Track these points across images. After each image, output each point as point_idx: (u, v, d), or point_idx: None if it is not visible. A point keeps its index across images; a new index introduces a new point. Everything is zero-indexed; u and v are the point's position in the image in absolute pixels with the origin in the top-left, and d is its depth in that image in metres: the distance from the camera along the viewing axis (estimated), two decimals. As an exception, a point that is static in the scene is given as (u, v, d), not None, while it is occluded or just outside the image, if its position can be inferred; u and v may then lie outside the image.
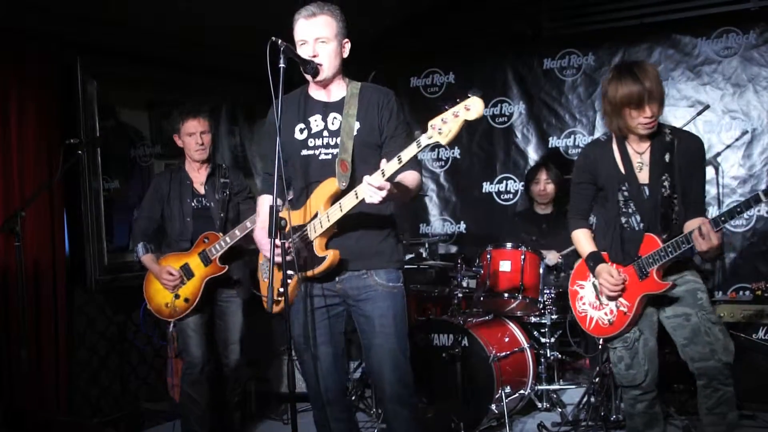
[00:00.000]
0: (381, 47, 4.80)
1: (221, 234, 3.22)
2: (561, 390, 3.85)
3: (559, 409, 3.64)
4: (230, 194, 3.34)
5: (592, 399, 3.49)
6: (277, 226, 2.09)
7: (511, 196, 4.90)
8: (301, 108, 2.40)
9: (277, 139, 2.12)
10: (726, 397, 2.48)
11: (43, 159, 3.61)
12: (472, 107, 1.87)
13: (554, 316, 3.76)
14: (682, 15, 4.29)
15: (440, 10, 4.91)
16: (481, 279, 3.74)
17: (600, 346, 3.67)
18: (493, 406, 3.32)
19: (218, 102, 4.70)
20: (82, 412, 3.79)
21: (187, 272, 3.21)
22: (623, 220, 2.59)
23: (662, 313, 2.57)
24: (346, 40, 2.35)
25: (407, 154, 2.05)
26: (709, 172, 4.01)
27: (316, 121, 2.37)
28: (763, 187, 4.18)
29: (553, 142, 4.75)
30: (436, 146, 2.04)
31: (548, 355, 3.78)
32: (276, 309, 2.27)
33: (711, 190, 4.12)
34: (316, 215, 2.29)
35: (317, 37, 2.27)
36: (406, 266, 4.02)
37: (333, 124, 2.34)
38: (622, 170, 2.58)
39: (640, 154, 2.56)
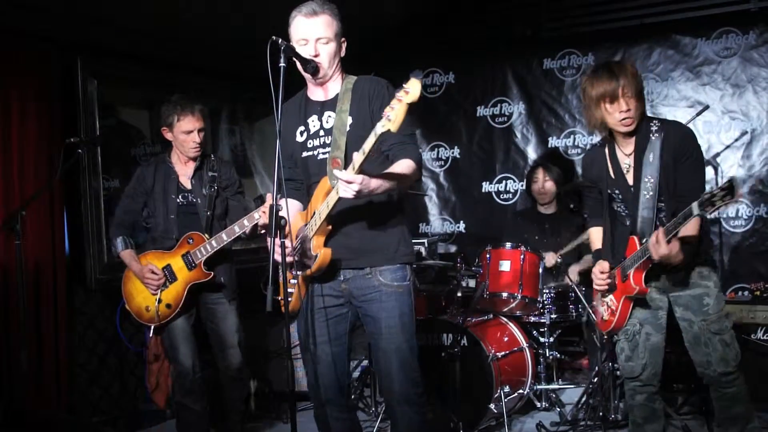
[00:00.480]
0: (382, 47, 4.80)
1: (206, 235, 3.06)
2: (560, 390, 3.85)
3: (558, 409, 3.64)
4: (218, 189, 3.17)
5: (591, 399, 3.50)
6: (277, 226, 2.08)
7: (510, 195, 4.90)
8: (301, 111, 2.40)
9: (277, 140, 2.11)
10: (728, 395, 2.51)
11: (44, 158, 3.61)
12: (411, 90, 1.88)
13: (553, 316, 3.76)
14: (682, 15, 4.29)
15: (441, 11, 4.91)
16: (480, 278, 3.74)
17: (599, 346, 3.69)
18: (492, 406, 3.32)
19: (219, 102, 4.70)
20: (81, 412, 3.78)
21: (169, 274, 3.05)
22: (619, 221, 2.62)
23: (675, 312, 2.58)
24: (344, 39, 2.35)
25: (368, 144, 1.98)
26: (709, 172, 4.01)
27: (313, 122, 2.37)
28: (762, 187, 4.19)
29: (553, 142, 4.75)
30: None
31: (547, 354, 3.78)
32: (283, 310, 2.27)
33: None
34: (314, 214, 2.29)
35: (318, 37, 2.26)
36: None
37: (327, 122, 2.34)
38: (612, 174, 2.59)
39: (627, 156, 2.55)
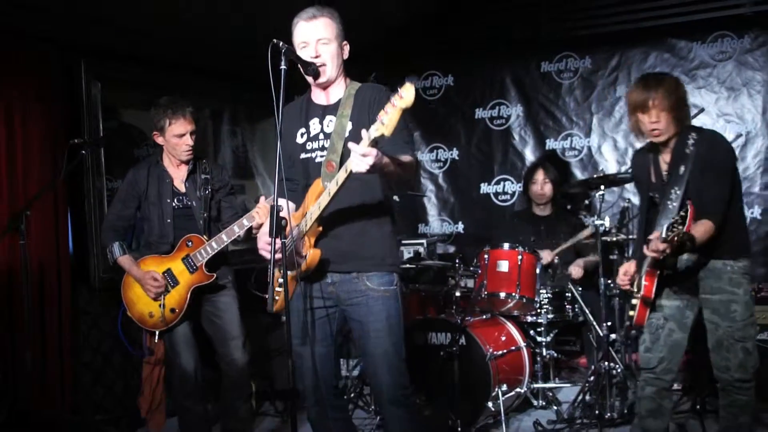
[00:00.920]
0: (381, 49, 4.81)
1: (205, 237, 3.01)
2: (557, 388, 3.85)
3: (555, 407, 3.64)
4: (212, 191, 3.12)
5: (587, 397, 3.50)
6: (278, 226, 2.08)
7: (508, 197, 4.91)
8: (303, 113, 2.41)
9: (278, 141, 2.11)
10: (739, 403, 2.54)
11: (48, 159, 3.61)
12: (405, 95, 1.87)
13: (550, 316, 3.76)
14: (678, 20, 4.30)
15: (440, 14, 4.91)
16: (478, 279, 3.74)
17: (595, 346, 3.69)
18: (490, 404, 3.32)
19: (220, 103, 4.71)
20: (85, 411, 3.78)
21: (171, 279, 2.99)
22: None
23: (703, 312, 2.61)
24: (345, 41, 2.35)
25: (362, 146, 1.96)
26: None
27: (314, 125, 2.38)
28: (756, 189, 4.20)
29: (550, 144, 4.76)
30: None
31: (544, 353, 3.78)
32: (276, 307, 2.28)
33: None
34: (305, 215, 2.30)
35: (319, 38, 2.27)
36: (405, 266, 4.05)
37: (328, 126, 2.34)
38: (653, 178, 2.67)
39: (667, 164, 2.64)
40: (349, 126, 2.29)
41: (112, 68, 3.95)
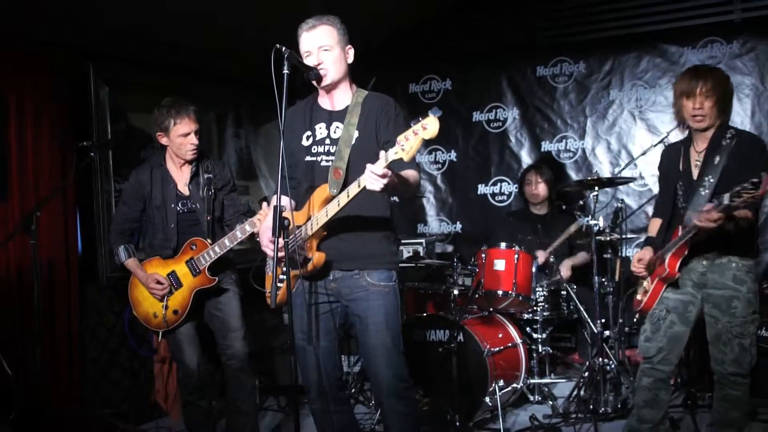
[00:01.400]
0: (381, 54, 4.82)
1: (209, 241, 2.99)
2: (552, 384, 3.86)
3: (551, 402, 3.66)
4: (215, 191, 3.08)
5: (582, 392, 3.51)
6: (280, 226, 2.10)
7: (505, 197, 4.92)
8: (308, 116, 2.43)
9: (281, 143, 2.14)
10: (731, 398, 2.56)
11: (57, 160, 3.62)
12: (429, 126, 1.90)
13: (546, 313, 3.78)
14: (669, 25, 4.33)
15: (438, 20, 4.94)
16: (476, 277, 3.76)
17: (589, 342, 3.70)
18: (487, 399, 3.34)
19: (224, 106, 4.72)
20: (93, 404, 3.80)
21: (174, 281, 2.99)
22: (678, 217, 2.68)
23: (704, 306, 2.63)
24: (349, 46, 2.37)
25: (378, 166, 1.99)
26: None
27: (320, 129, 2.40)
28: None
29: (546, 146, 4.77)
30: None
31: (540, 350, 3.79)
32: (278, 299, 2.31)
33: None
34: (310, 218, 2.32)
35: (320, 45, 2.29)
36: (404, 264, 4.07)
37: (335, 132, 2.36)
38: (681, 167, 2.68)
39: (698, 153, 2.65)
40: (356, 134, 2.31)
41: (120, 72, 3.96)
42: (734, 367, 2.53)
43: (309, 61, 2.29)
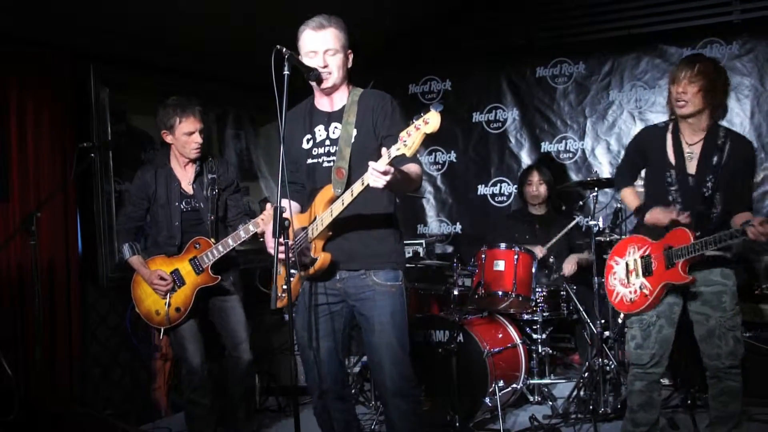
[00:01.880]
0: (381, 55, 4.81)
1: (213, 240, 3.03)
2: (552, 384, 3.85)
3: (550, 403, 3.65)
4: (219, 191, 3.11)
5: (582, 393, 3.50)
6: (281, 227, 2.09)
7: (504, 198, 4.91)
8: (308, 119, 2.42)
9: (281, 145, 2.12)
10: (728, 389, 2.57)
11: (58, 162, 3.61)
12: (430, 121, 1.90)
13: (545, 314, 3.77)
14: (668, 26, 4.32)
15: (439, 21, 4.93)
16: (476, 278, 3.75)
17: (589, 343, 3.69)
18: (487, 399, 3.33)
19: (225, 107, 4.71)
20: (94, 405, 3.79)
21: (177, 279, 3.02)
22: (670, 202, 2.66)
23: (689, 305, 2.63)
24: (350, 50, 2.36)
25: (381, 163, 1.98)
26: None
27: (319, 131, 2.39)
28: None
29: (545, 146, 4.77)
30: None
31: (540, 350, 3.78)
32: (279, 304, 2.29)
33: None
34: (315, 219, 2.31)
35: (327, 48, 2.27)
36: (405, 265, 4.05)
37: (334, 133, 2.36)
38: (672, 158, 2.65)
39: (690, 146, 2.63)
40: (354, 132, 2.31)
41: (121, 73, 3.96)
42: (731, 360, 2.55)
43: (313, 61, 2.28)
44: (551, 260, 3.96)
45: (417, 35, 4.99)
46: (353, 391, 3.79)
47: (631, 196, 2.83)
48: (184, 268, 3.03)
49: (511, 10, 4.75)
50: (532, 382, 3.74)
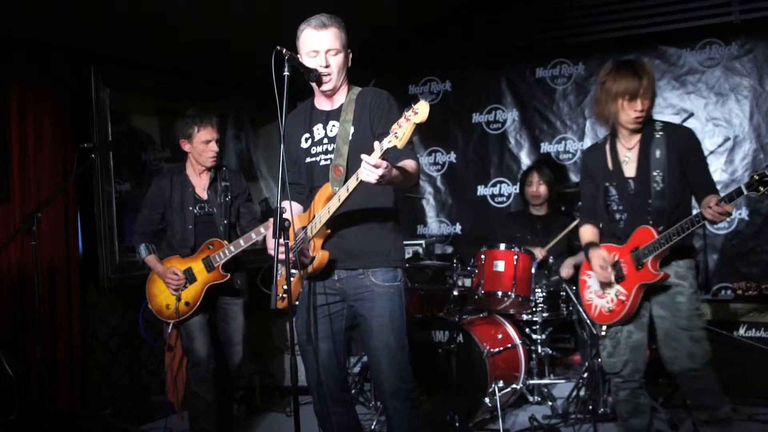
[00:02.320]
0: (382, 56, 4.81)
1: (226, 241, 3.15)
2: (551, 384, 3.85)
3: (550, 403, 3.64)
4: (231, 198, 3.26)
5: (581, 393, 3.50)
6: (281, 227, 2.08)
7: (504, 199, 4.91)
8: (307, 118, 2.41)
9: (281, 145, 2.11)
10: (696, 389, 2.51)
11: (59, 162, 3.61)
12: (420, 111, 1.89)
13: (545, 314, 3.76)
14: (668, 27, 4.31)
15: (439, 22, 4.92)
16: (475, 278, 3.74)
17: (588, 343, 3.69)
18: (487, 400, 3.32)
19: (225, 108, 4.71)
20: (94, 405, 3.78)
21: (189, 276, 3.14)
22: (614, 216, 2.61)
23: (652, 310, 2.59)
24: (349, 50, 2.36)
25: (374, 157, 1.97)
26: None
27: (318, 130, 2.38)
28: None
29: (545, 147, 4.76)
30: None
31: (539, 351, 3.78)
32: (280, 305, 2.28)
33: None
34: (314, 217, 2.30)
35: (328, 48, 2.26)
36: (405, 265, 4.05)
37: (331, 131, 2.35)
38: (610, 166, 2.60)
39: (628, 150, 2.57)
40: (352, 130, 2.29)
41: (121, 74, 3.95)
42: (688, 362, 2.46)
43: (314, 61, 2.27)
44: (551, 261, 3.95)
45: (417, 36, 4.99)
46: (353, 391, 3.79)
47: (586, 233, 2.71)
48: (197, 266, 3.15)
49: (510, 12, 4.75)
50: (531, 382, 3.73)
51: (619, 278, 2.57)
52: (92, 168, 3.72)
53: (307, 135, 2.40)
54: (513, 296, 3.59)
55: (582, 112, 4.64)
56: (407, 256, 4.38)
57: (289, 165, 2.30)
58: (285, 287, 2.32)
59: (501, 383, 3.36)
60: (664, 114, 4.33)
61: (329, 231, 2.30)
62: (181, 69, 4.26)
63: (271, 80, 2.07)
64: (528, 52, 4.73)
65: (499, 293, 3.62)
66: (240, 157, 4.84)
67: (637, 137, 2.56)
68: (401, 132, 1.90)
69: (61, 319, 3.57)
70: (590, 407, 3.34)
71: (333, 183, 2.25)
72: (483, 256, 3.72)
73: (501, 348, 3.50)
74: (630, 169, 2.57)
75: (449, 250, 5.03)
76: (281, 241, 2.08)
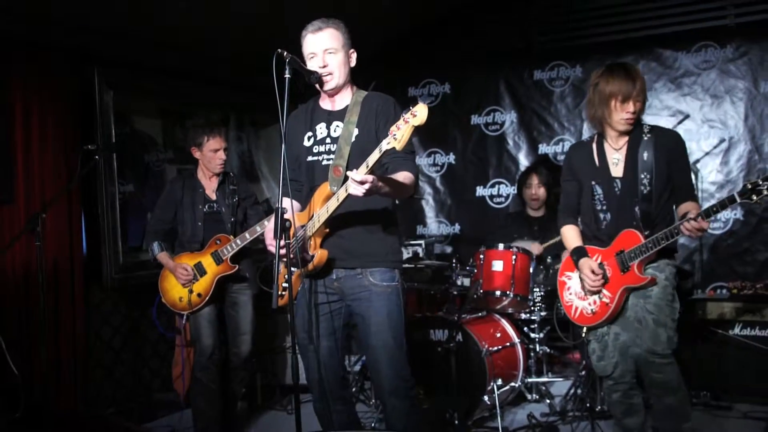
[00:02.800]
0: (381, 58, 4.82)
1: (232, 236, 3.31)
2: (549, 382, 3.86)
3: (548, 401, 3.65)
4: (239, 200, 3.43)
5: (579, 391, 3.51)
6: (282, 227, 2.09)
7: (503, 199, 4.92)
8: (309, 117, 2.43)
9: (283, 146, 2.12)
10: (658, 381, 2.47)
11: (62, 164, 3.62)
12: (418, 113, 1.90)
13: (543, 313, 3.78)
14: (664, 30, 4.33)
15: (438, 25, 4.94)
16: (474, 278, 3.75)
17: (586, 341, 3.69)
18: (486, 398, 3.33)
19: (227, 110, 4.72)
20: (97, 404, 3.79)
21: (200, 270, 3.30)
22: (599, 215, 2.60)
23: (629, 301, 2.57)
24: (352, 50, 2.37)
25: (372, 159, 2.01)
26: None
27: (320, 129, 2.40)
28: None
29: (543, 148, 4.77)
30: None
31: (537, 349, 3.79)
32: (280, 303, 2.30)
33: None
34: (312, 216, 2.31)
35: (326, 48, 2.29)
36: (404, 265, 4.05)
37: (335, 131, 2.36)
38: (597, 164, 2.58)
39: (616, 150, 2.56)
40: (356, 132, 2.31)
41: (125, 76, 3.96)
42: (650, 343, 2.43)
43: (314, 63, 2.29)
44: (549, 260, 3.96)
45: (416, 38, 5.00)
46: (353, 389, 3.79)
47: (570, 235, 2.67)
48: (206, 260, 3.31)
49: (509, 14, 4.76)
50: (530, 380, 3.74)
51: (603, 281, 2.56)
52: (96, 169, 3.73)
53: (309, 134, 2.41)
54: (511, 295, 3.60)
55: (579, 114, 4.65)
56: (407, 256, 4.39)
57: (289, 162, 2.31)
58: (285, 285, 2.33)
59: (499, 381, 3.37)
60: (660, 116, 4.34)
61: (328, 230, 2.31)
62: (182, 70, 4.27)
63: (272, 82, 2.08)
64: (526, 54, 4.75)
65: (498, 293, 3.63)
66: (241, 159, 4.85)
67: (625, 139, 2.55)
68: (400, 134, 1.92)
69: (64, 319, 3.58)
70: (588, 405, 3.35)
71: (332, 183, 2.27)
72: (482, 256, 3.73)
73: (499, 347, 3.51)
74: (617, 170, 2.55)
75: (448, 250, 5.04)
76: (282, 240, 2.09)
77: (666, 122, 4.20)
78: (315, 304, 2.39)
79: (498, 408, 3.29)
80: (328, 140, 2.37)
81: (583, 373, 3.51)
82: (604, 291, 2.57)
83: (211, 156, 3.34)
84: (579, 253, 2.63)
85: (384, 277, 2.34)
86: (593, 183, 2.59)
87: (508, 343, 3.59)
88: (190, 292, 3.27)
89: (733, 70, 4.19)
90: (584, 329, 2.63)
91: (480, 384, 3.35)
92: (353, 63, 2.37)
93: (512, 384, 3.53)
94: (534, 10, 4.69)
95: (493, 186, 4.95)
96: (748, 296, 3.64)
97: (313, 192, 2.37)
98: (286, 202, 2.16)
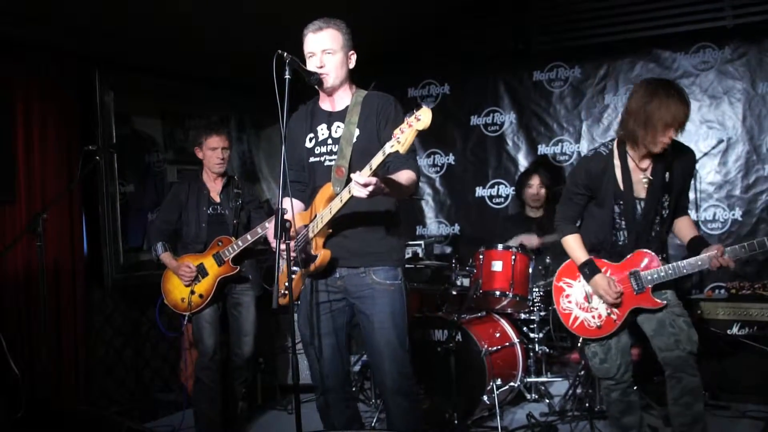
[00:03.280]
0: (381, 59, 4.81)
1: (234, 238, 3.32)
2: (548, 382, 3.85)
3: (547, 400, 3.65)
4: (242, 203, 3.45)
5: (578, 390, 3.50)
6: (282, 228, 2.09)
7: (502, 200, 4.91)
8: (310, 118, 2.43)
9: (282, 147, 2.12)
10: (690, 387, 2.45)
11: (64, 164, 3.62)
12: (422, 117, 1.90)
13: (542, 313, 3.77)
14: (662, 31, 4.32)
15: (438, 25, 4.93)
16: (474, 278, 3.75)
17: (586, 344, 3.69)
18: (485, 397, 3.33)
19: (227, 110, 4.71)
20: (99, 403, 3.79)
21: (202, 271, 3.30)
22: (616, 233, 2.57)
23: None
24: (352, 51, 2.36)
25: (376, 161, 2.01)
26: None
27: (321, 130, 2.39)
28: (737, 192, 4.21)
29: (542, 149, 4.77)
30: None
31: (537, 349, 3.78)
32: (282, 302, 2.29)
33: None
34: (315, 216, 2.31)
35: (324, 48, 2.28)
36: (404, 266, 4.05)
37: (336, 132, 2.36)
38: (621, 185, 2.49)
39: (643, 171, 2.48)
40: (357, 132, 2.31)
41: (125, 77, 3.97)
42: (690, 345, 2.43)
43: (312, 63, 2.29)
44: (548, 261, 3.96)
45: (416, 39, 4.99)
46: (354, 389, 3.79)
47: (576, 246, 2.58)
48: (208, 261, 3.32)
49: (508, 15, 4.76)
50: (529, 380, 3.74)
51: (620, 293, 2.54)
52: (97, 170, 3.73)
53: (311, 135, 2.41)
54: (511, 296, 3.60)
55: (578, 115, 4.65)
56: (407, 256, 4.38)
57: (291, 164, 2.31)
58: (287, 284, 2.33)
59: (499, 381, 3.37)
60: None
61: (331, 230, 2.31)
62: (184, 72, 4.27)
63: (272, 83, 2.08)
64: (525, 55, 4.74)
65: (497, 293, 3.62)
66: (242, 159, 4.85)
67: (651, 159, 2.47)
68: (404, 137, 1.92)
69: (66, 319, 3.58)
70: (587, 404, 3.35)
71: (335, 184, 2.27)
72: (481, 257, 3.72)
73: (499, 346, 3.51)
74: (641, 191, 2.48)
75: (448, 250, 5.03)
76: (283, 239, 2.09)
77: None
78: (317, 303, 2.38)
79: (497, 408, 3.29)
80: (329, 141, 2.36)
81: (582, 373, 3.50)
82: (613, 308, 2.56)
83: (210, 154, 3.35)
84: (592, 269, 2.55)
85: (387, 275, 2.34)
86: (616, 203, 2.51)
87: (507, 343, 3.59)
88: (192, 293, 3.28)
89: (731, 71, 4.19)
90: (581, 338, 2.61)
91: (479, 384, 3.34)
92: (352, 65, 2.37)
93: (511, 384, 3.53)
94: (533, 11, 4.69)
95: (492, 186, 4.94)
96: (746, 296, 3.64)
97: (315, 193, 2.37)
98: (287, 203, 2.15)
